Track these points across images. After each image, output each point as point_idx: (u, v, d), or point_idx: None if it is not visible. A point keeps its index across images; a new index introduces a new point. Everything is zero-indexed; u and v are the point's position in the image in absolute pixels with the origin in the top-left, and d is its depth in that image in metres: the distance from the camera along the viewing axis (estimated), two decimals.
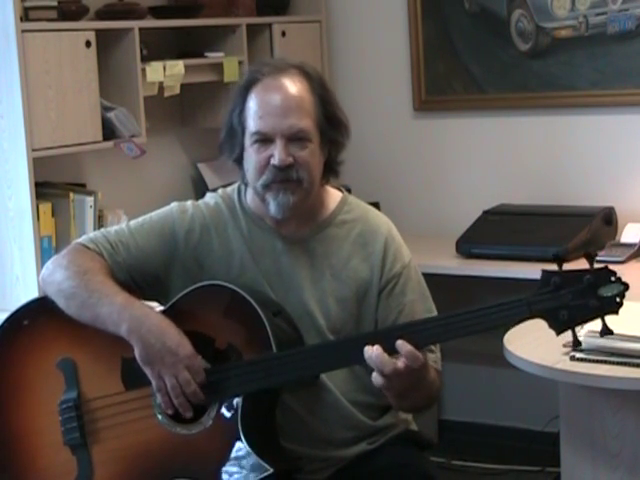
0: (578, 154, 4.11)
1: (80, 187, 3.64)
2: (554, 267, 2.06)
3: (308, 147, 2.27)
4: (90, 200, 3.53)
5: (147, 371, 2.18)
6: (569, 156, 4.13)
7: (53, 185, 3.57)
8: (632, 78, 3.95)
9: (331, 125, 2.32)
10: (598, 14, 3.99)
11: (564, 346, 2.55)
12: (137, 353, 2.17)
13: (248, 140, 2.29)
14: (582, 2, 4.01)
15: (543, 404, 3.88)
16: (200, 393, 2.17)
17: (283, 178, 2.25)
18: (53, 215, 3.47)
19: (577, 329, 2.07)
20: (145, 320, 2.18)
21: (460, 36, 4.28)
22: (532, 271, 3.57)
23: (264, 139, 2.26)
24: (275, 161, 2.24)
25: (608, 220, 3.88)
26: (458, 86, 4.32)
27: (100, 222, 3.57)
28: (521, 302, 2.06)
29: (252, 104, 2.28)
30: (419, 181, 4.45)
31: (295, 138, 2.25)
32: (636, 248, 3.67)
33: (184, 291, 2.27)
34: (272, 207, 2.27)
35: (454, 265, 3.83)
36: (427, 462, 2.42)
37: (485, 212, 4.04)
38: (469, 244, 3.86)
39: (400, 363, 2.05)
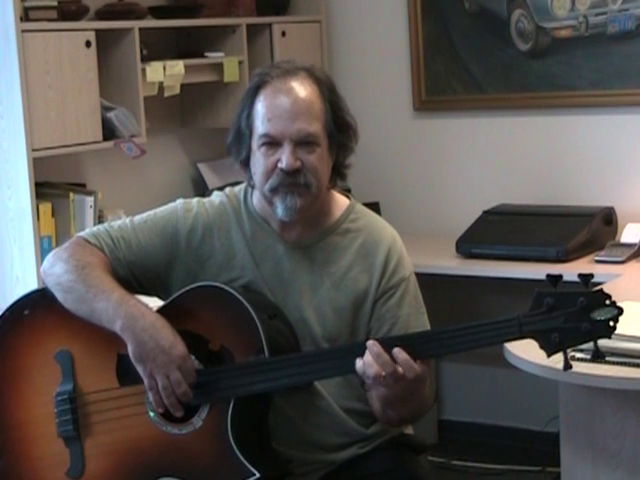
0: (578, 154, 4.10)
1: (80, 187, 3.65)
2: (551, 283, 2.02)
3: (316, 151, 2.25)
4: (90, 200, 3.54)
5: (139, 369, 2.17)
6: (569, 156, 4.13)
7: (53, 185, 3.57)
8: (632, 78, 3.95)
9: (340, 129, 2.30)
10: (598, 14, 3.99)
11: None
12: (130, 350, 2.17)
13: (256, 142, 2.27)
14: (582, 2, 4.01)
15: (543, 404, 3.89)
16: (190, 394, 2.17)
17: (291, 182, 2.23)
18: (53, 215, 3.47)
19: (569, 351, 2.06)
20: (140, 318, 2.18)
21: (460, 36, 4.28)
22: (532, 271, 3.60)
23: (272, 142, 2.24)
24: (282, 165, 2.22)
25: (608, 220, 3.88)
26: (458, 86, 4.31)
27: (100, 222, 3.56)
28: (512, 322, 2.04)
29: (260, 107, 2.26)
30: (419, 181, 4.45)
31: (303, 142, 2.23)
32: (636, 248, 3.67)
33: (181, 290, 2.27)
34: (279, 210, 2.26)
35: (454, 265, 3.82)
36: (419, 466, 2.39)
37: (485, 212, 4.04)
38: (469, 244, 3.86)
39: (400, 368, 2.06)
